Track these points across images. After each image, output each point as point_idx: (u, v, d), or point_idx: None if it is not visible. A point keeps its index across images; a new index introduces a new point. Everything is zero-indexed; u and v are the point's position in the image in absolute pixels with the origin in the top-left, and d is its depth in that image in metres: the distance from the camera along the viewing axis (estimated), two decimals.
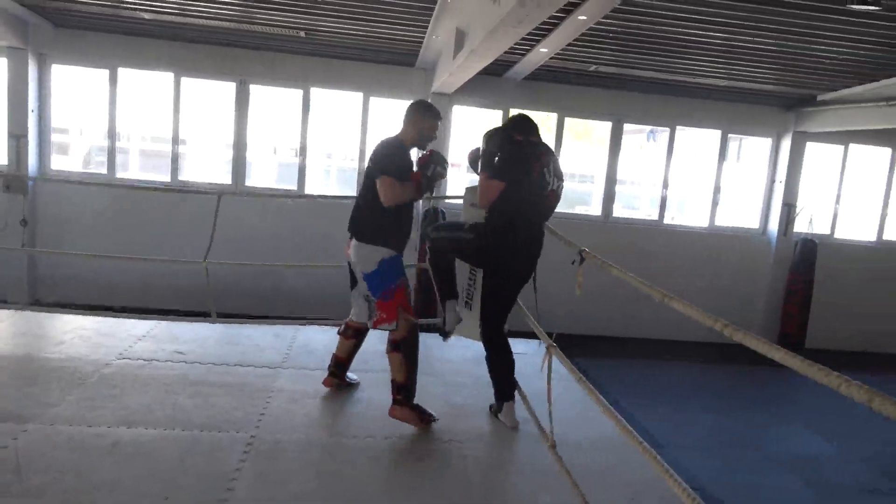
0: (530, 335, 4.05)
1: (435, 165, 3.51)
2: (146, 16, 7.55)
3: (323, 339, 4.63)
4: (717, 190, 9.56)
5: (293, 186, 8.92)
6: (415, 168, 3.56)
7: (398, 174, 3.37)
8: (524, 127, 3.58)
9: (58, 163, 8.75)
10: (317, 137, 9.16)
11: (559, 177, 3.55)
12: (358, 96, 8.81)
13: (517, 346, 4.87)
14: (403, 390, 3.35)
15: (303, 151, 8.91)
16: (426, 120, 3.49)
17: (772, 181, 9.68)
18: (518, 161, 3.42)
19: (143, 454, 2.93)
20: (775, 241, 9.60)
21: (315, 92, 8.80)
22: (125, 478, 2.72)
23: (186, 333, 4.56)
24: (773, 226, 9.64)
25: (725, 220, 9.75)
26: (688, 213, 10.48)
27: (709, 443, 6.36)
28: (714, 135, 9.54)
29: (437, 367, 4.28)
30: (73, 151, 9.80)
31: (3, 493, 2.53)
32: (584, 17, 5.68)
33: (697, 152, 10.33)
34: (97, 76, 8.52)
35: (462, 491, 2.93)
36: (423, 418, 3.37)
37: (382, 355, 3.44)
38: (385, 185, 3.32)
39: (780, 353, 1.39)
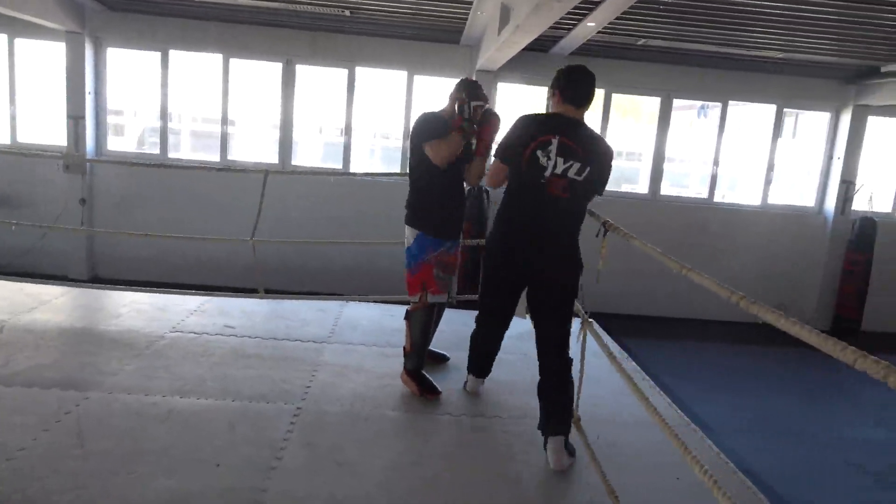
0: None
1: (470, 100, 3.30)
2: None
3: (367, 315, 4.70)
4: (770, 167, 9.23)
5: (338, 165, 9.01)
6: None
7: (438, 134, 3.29)
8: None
9: (114, 144, 9.04)
10: (362, 116, 9.21)
11: (579, 159, 2.87)
12: (402, 75, 8.80)
13: None
14: (407, 358, 3.55)
15: (348, 130, 8.97)
16: (460, 94, 3.40)
17: (829, 157, 9.29)
18: (512, 139, 3.02)
19: (195, 423, 3.04)
20: (832, 220, 9.24)
21: (360, 71, 8.83)
22: (179, 444, 2.84)
23: (235, 308, 4.69)
24: (830, 204, 9.27)
25: (779, 198, 9.42)
26: (739, 191, 10.17)
27: (760, 427, 6.23)
28: (769, 110, 9.19)
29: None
30: (128, 132, 10.10)
31: (67, 456, 2.66)
32: None
33: (750, 128, 9.98)
34: (150, 58, 8.73)
35: (500, 465, 2.95)
36: (423, 390, 3.48)
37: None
38: (431, 149, 3.28)
39: (796, 328, 1.34)
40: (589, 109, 3.03)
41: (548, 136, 2.89)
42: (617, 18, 6.66)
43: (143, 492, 2.47)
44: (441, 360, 3.96)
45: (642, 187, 9.51)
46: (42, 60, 8.65)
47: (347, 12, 7.79)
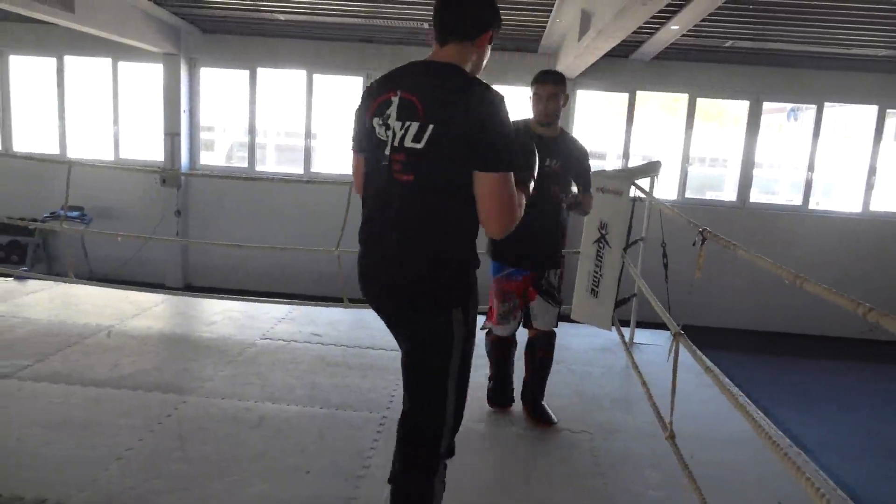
0: (659, 325, 3.89)
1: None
2: (281, 17, 7.99)
3: None
4: (872, 171, 8.65)
5: None
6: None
7: (527, 177, 2.74)
8: None
9: (205, 158, 9.51)
10: None
11: (417, 117, 1.79)
12: None
13: (644, 335, 4.72)
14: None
15: None
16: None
17: None
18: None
19: (286, 429, 3.12)
20: None
21: None
22: (271, 450, 2.92)
23: (321, 317, 4.81)
24: None
25: (883, 204, 8.81)
26: (836, 197, 9.58)
27: (865, 449, 5.82)
28: (869, 111, 8.63)
29: (562, 356, 4.22)
30: (218, 147, 10.60)
31: (170, 458, 2.79)
32: None
33: (848, 130, 9.40)
34: (239, 76, 9.14)
35: (588, 480, 2.87)
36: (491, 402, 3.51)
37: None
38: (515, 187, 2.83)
39: None
40: (465, 42, 1.91)
41: (387, 94, 1.89)
42: (702, 20, 6.45)
43: (239, 497, 2.55)
44: (543, 420, 3.33)
45: (729, 194, 9.13)
46: (142, 81, 9.21)
47: (426, 25, 7.90)
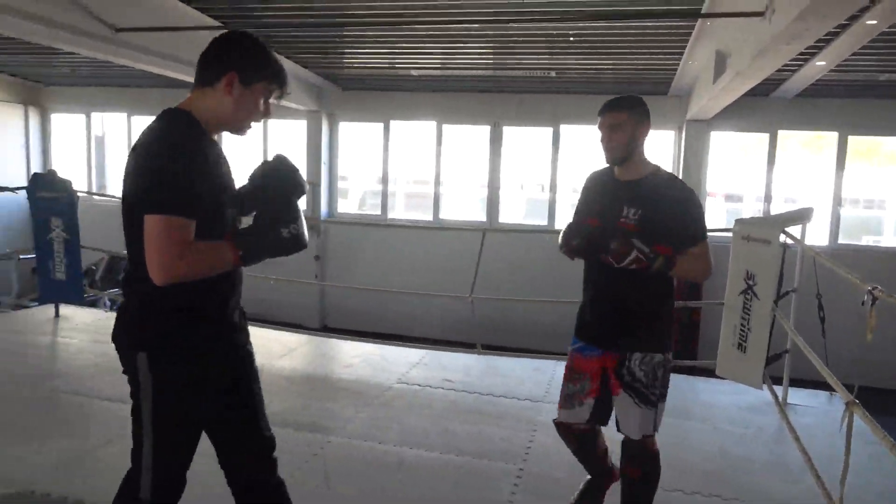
0: (818, 384, 3.59)
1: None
2: (415, 72, 8.45)
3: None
4: None
5: (541, 221, 9.14)
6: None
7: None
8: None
9: (340, 206, 10.12)
10: (565, 173, 9.31)
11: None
12: None
13: (799, 395, 4.36)
14: None
15: (552, 187, 9.11)
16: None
17: None
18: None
19: (424, 476, 3.18)
20: None
21: (564, 129, 8.97)
22: (411, 496, 2.98)
23: (454, 363, 4.89)
24: None
25: None
26: None
27: None
28: None
29: (706, 413, 4.00)
30: (351, 195, 11.25)
31: (318, 496, 2.93)
32: (875, 22, 5.01)
33: None
34: (373, 129, 9.71)
35: None
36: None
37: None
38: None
39: None
40: (206, 88, 1.81)
41: None
42: (853, 54, 6.05)
43: None
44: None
45: (889, 239, 8.32)
46: (287, 137, 10.03)
47: (553, 73, 8.02)
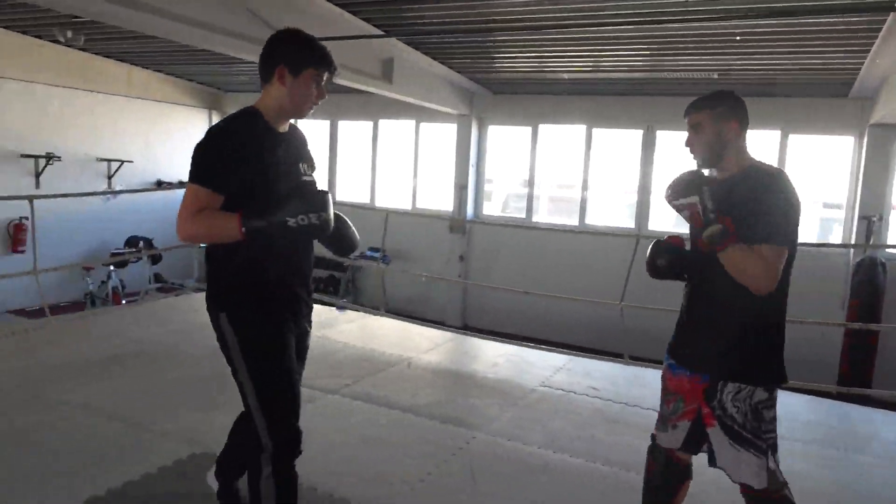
0: None
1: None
2: (566, 75, 8.37)
3: None
4: None
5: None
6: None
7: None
8: None
9: (485, 208, 10.27)
10: None
11: None
12: (775, 134, 8.16)
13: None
14: None
15: None
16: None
17: None
18: None
19: (569, 482, 3.16)
20: None
21: None
22: (556, 501, 2.97)
23: (599, 370, 4.80)
24: None
25: None
26: None
27: None
28: None
29: (887, 451, 3.60)
30: (494, 198, 11.36)
31: (461, 490, 3.01)
32: None
33: None
34: (520, 133, 9.75)
35: None
36: None
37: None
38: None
39: None
40: (266, 85, 2.11)
41: None
42: None
43: None
44: None
45: None
46: (438, 140, 10.34)
47: (716, 75, 7.58)
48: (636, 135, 8.98)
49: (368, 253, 9.54)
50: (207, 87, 11.41)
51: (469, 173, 9.79)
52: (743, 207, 2.03)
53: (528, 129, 9.63)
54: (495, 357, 5.12)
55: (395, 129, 10.59)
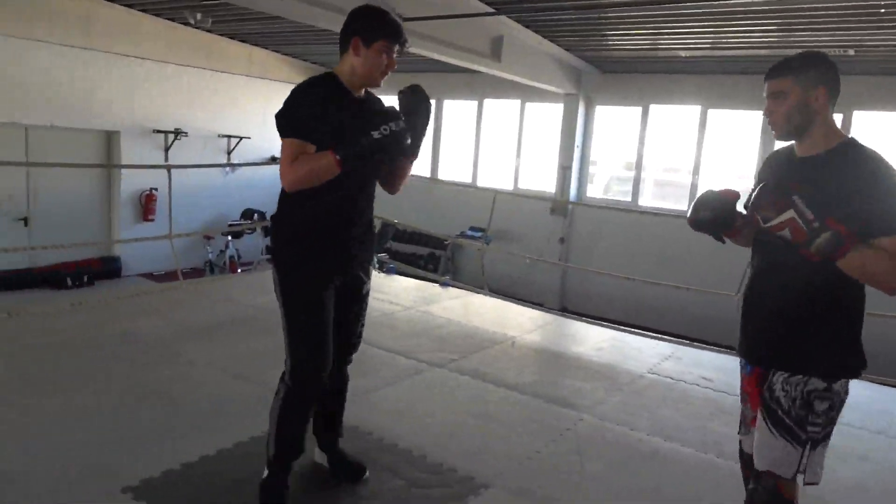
0: None
1: None
2: (683, 53, 8.00)
3: (867, 396, 4.07)
4: None
5: None
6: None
7: None
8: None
9: (589, 190, 10.05)
10: None
11: None
12: None
13: None
14: None
15: None
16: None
17: None
18: None
19: (680, 471, 3.07)
20: None
21: (858, 115, 7.84)
22: (667, 489, 2.90)
23: (711, 361, 4.62)
24: None
25: None
26: None
27: None
28: None
29: None
30: (597, 180, 11.10)
31: (569, 469, 3.00)
32: None
33: None
34: (629, 113, 9.44)
35: None
36: None
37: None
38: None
39: None
40: (343, 54, 2.29)
41: None
42: None
43: None
44: None
45: None
46: (543, 120, 10.21)
47: (852, 51, 7.01)
48: (755, 117, 8.47)
49: (469, 232, 9.61)
50: (321, 67, 11.81)
51: (574, 154, 9.60)
52: (848, 197, 1.77)
53: (637, 110, 9.31)
54: (599, 341, 5.04)
55: (500, 109, 10.55)
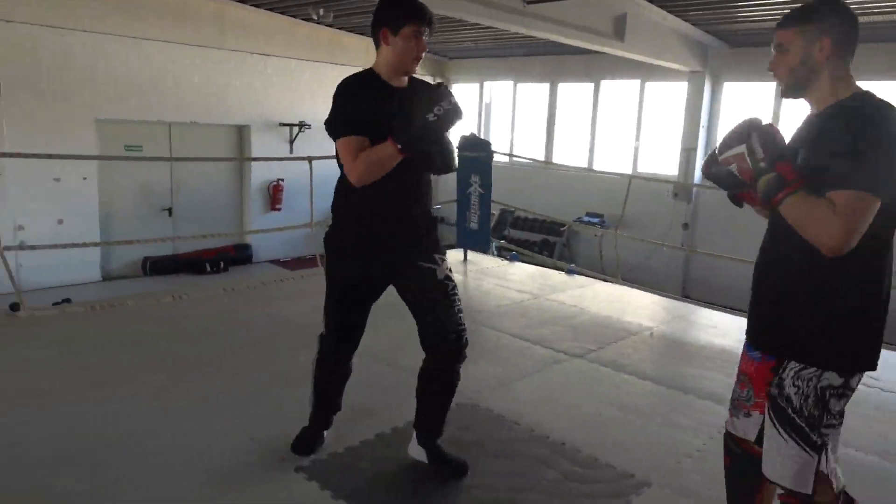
0: None
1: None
2: None
3: None
4: None
5: None
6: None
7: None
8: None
9: None
10: None
11: None
12: None
13: None
14: None
15: None
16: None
17: None
18: None
19: (859, 480, 2.86)
20: None
21: None
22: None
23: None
24: None
25: None
26: None
27: None
28: None
29: None
30: None
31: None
32: None
33: None
34: (761, 90, 8.84)
35: None
36: None
37: None
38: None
39: None
40: (377, 48, 2.36)
41: None
42: None
43: None
44: None
45: None
46: (664, 100, 9.77)
47: None
48: (892, 87, 7.70)
49: (586, 218, 9.41)
50: (434, 56, 11.91)
51: (699, 135, 9.14)
52: (822, 147, 1.61)
53: (770, 86, 8.69)
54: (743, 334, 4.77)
55: (618, 90, 10.20)
